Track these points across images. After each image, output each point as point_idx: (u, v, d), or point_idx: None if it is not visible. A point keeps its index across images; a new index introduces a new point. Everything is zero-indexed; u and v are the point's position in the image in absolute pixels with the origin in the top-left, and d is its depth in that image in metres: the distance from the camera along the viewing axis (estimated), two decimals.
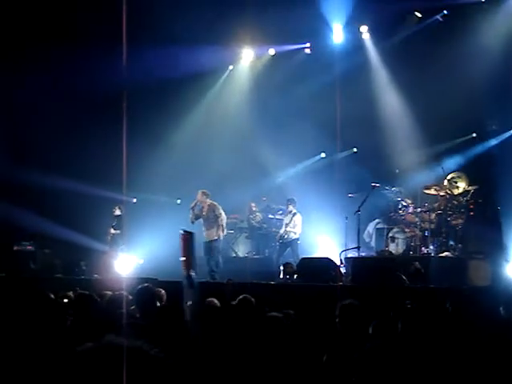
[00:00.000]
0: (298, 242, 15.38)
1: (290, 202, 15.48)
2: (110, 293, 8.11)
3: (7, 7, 15.69)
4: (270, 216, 16.98)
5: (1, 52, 16.21)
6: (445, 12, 15.93)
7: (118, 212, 15.97)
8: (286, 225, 15.43)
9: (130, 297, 7.82)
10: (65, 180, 16.62)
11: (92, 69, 16.27)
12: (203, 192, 14.74)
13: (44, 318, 6.78)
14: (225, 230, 14.76)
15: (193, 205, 14.76)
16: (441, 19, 16.11)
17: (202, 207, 14.74)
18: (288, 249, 15.31)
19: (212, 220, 14.61)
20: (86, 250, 16.02)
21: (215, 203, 14.79)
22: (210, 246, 14.52)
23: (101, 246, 16.21)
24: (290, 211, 15.43)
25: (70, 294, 8.30)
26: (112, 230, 15.90)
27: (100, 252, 15.98)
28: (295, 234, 15.31)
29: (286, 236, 15.35)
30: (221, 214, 14.63)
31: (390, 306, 6.53)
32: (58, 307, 7.19)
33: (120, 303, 7.24)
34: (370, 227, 15.69)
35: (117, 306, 7.24)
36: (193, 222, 14.62)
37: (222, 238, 14.70)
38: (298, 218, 15.35)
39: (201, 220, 14.84)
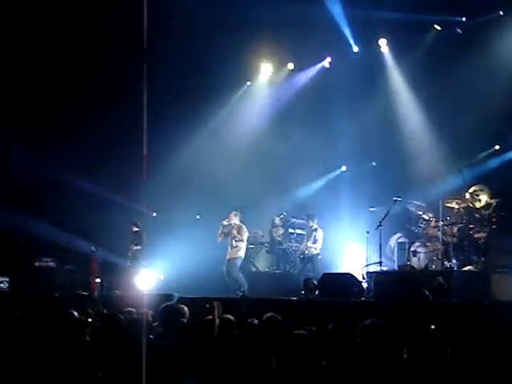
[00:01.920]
0: (319, 258, 15.33)
1: (310, 217, 15.45)
2: (131, 309, 8.10)
3: None
4: (291, 231, 16.93)
5: None
6: (463, 20, 15.84)
7: (135, 229, 16.01)
8: (307, 240, 15.39)
9: (151, 313, 7.83)
10: (86, 194, 16.75)
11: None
12: (236, 213, 15.34)
13: (66, 337, 6.80)
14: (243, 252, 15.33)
15: (225, 223, 15.31)
16: (460, 32, 16.04)
17: (232, 227, 15.23)
18: (309, 264, 15.26)
19: (236, 240, 15.18)
20: (107, 265, 16.06)
21: (242, 225, 15.33)
22: (230, 264, 15.08)
23: (121, 261, 16.25)
24: (311, 226, 15.39)
25: (91, 311, 8.30)
26: (133, 247, 15.95)
27: (121, 267, 16.02)
28: (316, 249, 15.28)
29: (306, 251, 15.32)
30: (243, 237, 15.21)
31: (415, 324, 6.45)
32: (80, 326, 7.19)
33: (141, 321, 7.23)
34: (392, 241, 15.59)
35: (138, 324, 7.23)
36: (220, 240, 15.42)
37: (239, 258, 15.22)
38: (319, 234, 15.31)
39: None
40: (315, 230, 15.31)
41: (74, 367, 6.11)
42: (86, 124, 17.37)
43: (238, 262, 15.21)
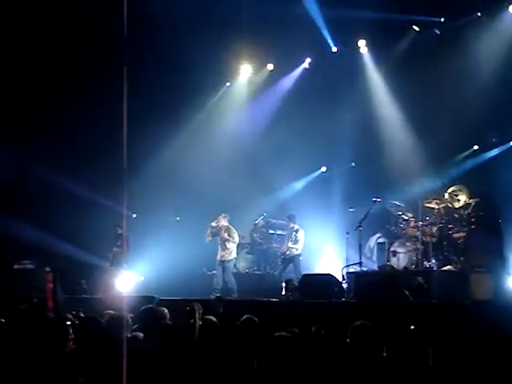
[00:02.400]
0: (301, 258, 15.34)
1: (291, 218, 15.48)
2: (111, 312, 8.05)
3: None
4: (271, 231, 16.94)
5: None
6: (441, 20, 15.93)
7: (120, 231, 15.91)
8: (288, 240, 15.39)
9: (131, 315, 7.79)
10: (66, 195, 16.63)
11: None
12: (224, 216, 15.59)
13: (45, 341, 6.74)
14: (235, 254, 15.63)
15: (213, 224, 15.51)
16: (438, 33, 16.13)
17: (220, 229, 15.46)
18: (290, 265, 15.28)
19: (228, 242, 15.39)
20: (87, 267, 15.95)
21: (231, 227, 15.54)
22: (222, 265, 15.29)
23: (102, 264, 16.15)
24: (292, 227, 15.39)
25: (70, 316, 8.24)
26: (115, 248, 15.84)
27: (101, 270, 15.91)
28: (297, 250, 15.28)
29: (287, 252, 15.31)
30: (235, 238, 15.47)
31: (395, 324, 6.48)
32: (59, 329, 7.14)
33: (121, 324, 7.19)
34: (371, 242, 15.65)
35: (118, 327, 7.19)
36: (208, 240, 15.66)
37: (233, 259, 15.54)
38: (300, 234, 15.32)
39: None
40: (296, 230, 15.32)
41: (53, 372, 6.06)
42: (65, 124, 17.24)
43: (231, 264, 15.47)
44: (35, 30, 16.31)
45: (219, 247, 15.53)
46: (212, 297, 13.49)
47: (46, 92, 16.75)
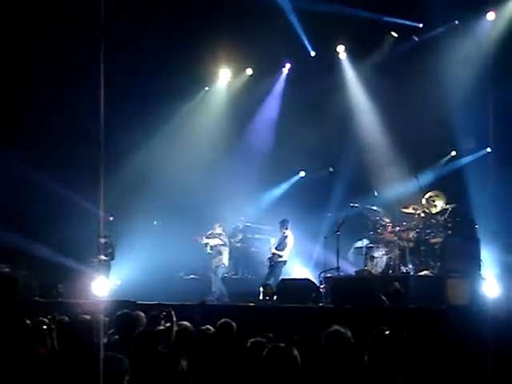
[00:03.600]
0: (284, 265, 15.16)
1: (284, 223, 15.08)
2: (87, 317, 7.99)
3: None
4: (249, 236, 16.92)
5: None
6: (420, 26, 16.04)
7: (103, 240, 15.76)
8: (278, 246, 15.08)
9: (107, 319, 7.74)
10: (43, 196, 16.51)
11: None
12: (220, 225, 15.94)
13: (20, 345, 6.69)
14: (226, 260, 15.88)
15: (209, 233, 15.82)
16: (417, 39, 16.25)
17: (215, 237, 15.74)
18: (274, 270, 15.01)
19: (219, 248, 15.67)
20: (64, 270, 15.83)
21: (222, 233, 15.85)
22: (216, 271, 15.49)
23: (78, 267, 16.01)
24: (284, 233, 15.02)
25: (46, 320, 8.17)
26: (102, 257, 15.65)
27: (77, 274, 15.79)
28: (282, 256, 14.94)
29: (273, 258, 14.99)
30: (226, 243, 15.80)
31: (370, 330, 6.49)
32: (34, 334, 7.09)
33: (97, 328, 7.15)
34: (353, 246, 15.67)
35: (94, 331, 7.15)
36: (208, 250, 15.87)
37: (227, 264, 15.79)
38: (289, 241, 14.98)
39: None
40: (286, 237, 15.00)
41: (28, 376, 6.01)
42: (40, 124, 17.14)
43: (222, 270, 15.66)
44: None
45: (213, 254, 15.76)
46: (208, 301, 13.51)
47: (20, 94, 16.65)
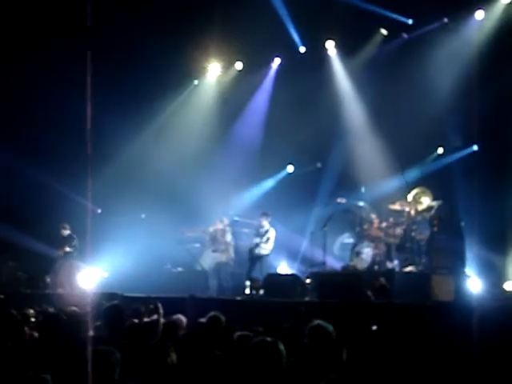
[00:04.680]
0: (268, 257, 15.20)
1: (265, 215, 15.04)
2: (74, 309, 8.01)
3: None
4: (236, 230, 16.91)
5: None
6: (409, 22, 16.10)
7: (66, 232, 15.71)
8: (258, 238, 15.03)
9: (94, 312, 7.76)
10: (29, 187, 16.47)
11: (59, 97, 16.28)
12: (221, 220, 15.80)
13: (6, 337, 6.70)
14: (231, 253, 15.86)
15: (211, 229, 15.79)
16: (406, 36, 16.32)
17: (217, 231, 15.70)
18: (257, 264, 15.07)
19: (224, 244, 15.66)
20: (51, 262, 15.82)
21: (225, 229, 15.77)
22: (219, 267, 15.49)
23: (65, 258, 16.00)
24: (264, 225, 15.00)
25: (32, 311, 8.19)
26: (67, 248, 15.59)
27: (64, 265, 15.78)
28: (266, 249, 14.95)
29: (256, 250, 14.97)
30: (229, 238, 15.72)
31: (356, 325, 6.56)
32: (20, 325, 7.10)
33: (83, 320, 7.18)
34: (338, 241, 15.75)
35: (80, 323, 7.17)
36: (209, 246, 15.87)
37: (231, 262, 15.77)
38: (271, 233, 14.94)
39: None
40: (267, 230, 14.95)
41: (14, 367, 6.03)
42: (29, 117, 17.12)
43: (227, 266, 15.62)
44: None
45: (216, 250, 15.70)
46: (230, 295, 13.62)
47: (7, 91, 16.61)
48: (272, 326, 6.89)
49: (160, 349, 5.25)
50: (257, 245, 14.95)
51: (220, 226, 15.68)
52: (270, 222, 15.08)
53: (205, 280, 15.26)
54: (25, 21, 16.04)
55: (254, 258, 15.07)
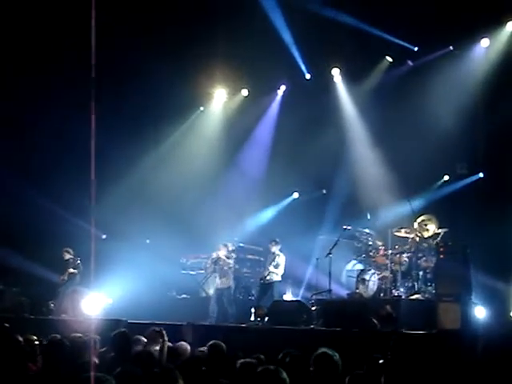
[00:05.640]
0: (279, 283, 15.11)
1: (274, 242, 15.04)
2: (77, 334, 7.97)
3: None
4: (242, 256, 16.87)
5: None
6: (415, 49, 16.14)
7: (68, 256, 15.71)
8: (269, 265, 15.00)
9: (98, 338, 7.71)
10: (34, 213, 16.46)
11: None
12: (224, 245, 15.50)
13: (11, 363, 6.65)
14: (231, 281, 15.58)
15: (214, 255, 15.47)
16: (411, 63, 16.37)
17: (219, 258, 15.39)
18: (269, 291, 14.89)
19: (226, 269, 15.34)
20: (55, 287, 15.78)
21: (229, 256, 15.49)
22: (221, 293, 15.18)
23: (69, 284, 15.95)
24: (273, 252, 14.99)
25: (35, 338, 8.14)
26: (71, 270, 15.60)
27: (68, 291, 15.73)
28: (277, 275, 14.92)
29: (268, 277, 14.92)
30: (232, 264, 15.49)
31: (362, 354, 6.49)
32: (25, 351, 7.06)
33: (87, 347, 7.14)
34: (346, 269, 15.66)
35: (85, 350, 7.13)
36: (210, 272, 15.61)
37: (233, 286, 15.53)
38: (281, 259, 14.93)
39: None
40: (277, 255, 14.96)
41: None
42: (34, 140, 17.18)
43: (229, 292, 15.36)
44: None
45: (217, 275, 15.42)
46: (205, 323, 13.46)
47: (12, 114, 16.67)
48: (275, 353, 6.83)
49: (167, 376, 5.20)
50: (268, 271, 14.95)
51: (223, 252, 15.48)
52: (278, 248, 15.03)
53: (207, 307, 15.16)
54: (26, 44, 16.15)
55: (265, 286, 15.02)
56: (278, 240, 15.06)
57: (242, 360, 6.34)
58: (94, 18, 5.55)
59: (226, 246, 15.56)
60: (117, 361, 6.84)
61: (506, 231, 14.16)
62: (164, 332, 7.93)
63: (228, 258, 15.45)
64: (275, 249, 15.02)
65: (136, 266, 15.96)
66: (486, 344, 8.32)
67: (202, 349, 7.39)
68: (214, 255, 15.49)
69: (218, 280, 15.39)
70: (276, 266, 14.94)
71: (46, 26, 15.83)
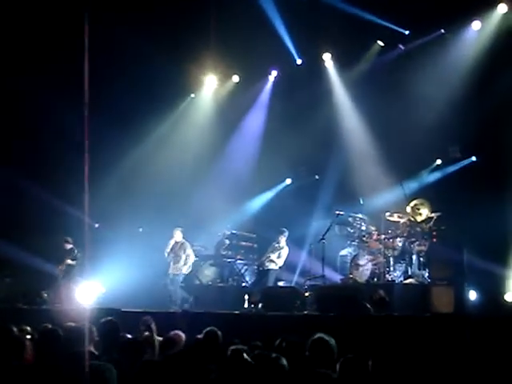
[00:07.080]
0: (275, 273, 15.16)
1: (282, 232, 15.21)
2: (72, 324, 7.93)
3: None
4: (235, 243, 16.86)
5: None
6: (406, 33, 16.09)
7: (68, 246, 15.71)
8: (271, 253, 15.17)
9: (94, 327, 7.68)
10: (27, 203, 16.42)
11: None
12: (178, 230, 15.57)
13: (4, 353, 6.62)
14: (189, 268, 15.62)
15: (172, 242, 15.57)
16: (402, 48, 16.32)
17: (176, 243, 15.52)
18: (265, 278, 15.03)
19: (180, 256, 15.40)
20: (49, 277, 15.77)
21: (184, 242, 15.55)
22: (174, 278, 15.29)
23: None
24: (279, 242, 15.17)
25: (28, 328, 8.10)
26: (68, 261, 15.61)
27: (62, 280, 15.73)
28: (276, 264, 15.09)
29: (266, 263, 15.08)
30: (189, 253, 15.51)
31: (356, 338, 6.50)
32: (19, 341, 7.02)
33: (82, 336, 7.10)
34: (340, 254, 15.68)
35: (78, 339, 7.09)
36: (168, 255, 15.55)
37: (184, 273, 15.53)
38: (284, 251, 15.14)
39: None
40: (282, 247, 15.15)
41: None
42: (28, 131, 17.12)
43: (180, 278, 15.45)
44: None
45: (172, 261, 15.53)
46: (173, 309, 13.45)
47: (6, 104, 16.61)
48: (270, 340, 6.82)
49: (160, 364, 5.19)
50: (268, 259, 15.09)
51: (179, 239, 15.58)
52: (285, 240, 15.18)
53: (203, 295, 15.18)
54: (24, 32, 16.08)
55: (262, 272, 15.10)
56: (285, 230, 15.20)
57: (233, 346, 6.33)
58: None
59: (180, 230, 15.59)
60: (103, 349, 6.81)
61: (499, 214, 14.18)
62: (152, 324, 7.92)
63: (182, 244, 15.50)
64: (282, 239, 15.17)
65: (129, 254, 15.95)
66: (479, 327, 8.37)
67: (200, 336, 7.37)
68: (172, 241, 15.58)
69: (171, 265, 15.52)
70: (278, 257, 15.13)
71: (45, 25, 15.80)
